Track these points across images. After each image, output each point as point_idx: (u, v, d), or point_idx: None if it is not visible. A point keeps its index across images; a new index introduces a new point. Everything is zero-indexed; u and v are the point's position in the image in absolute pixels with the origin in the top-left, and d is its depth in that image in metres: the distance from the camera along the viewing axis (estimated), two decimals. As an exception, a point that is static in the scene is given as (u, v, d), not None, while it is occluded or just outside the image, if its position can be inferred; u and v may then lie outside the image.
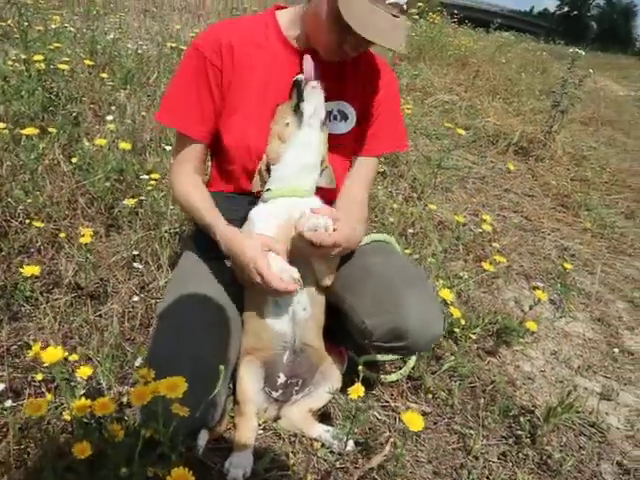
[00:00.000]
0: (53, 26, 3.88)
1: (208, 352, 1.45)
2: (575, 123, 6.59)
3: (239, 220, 1.66)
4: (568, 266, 2.55)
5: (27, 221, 2.39)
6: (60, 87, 3.25)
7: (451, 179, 3.89)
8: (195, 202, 1.56)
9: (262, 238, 1.43)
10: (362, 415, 1.48)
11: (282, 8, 1.60)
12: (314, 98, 1.46)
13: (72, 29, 4.08)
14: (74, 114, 3.12)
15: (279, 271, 1.38)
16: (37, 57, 2.86)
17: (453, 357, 2.00)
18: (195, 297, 1.60)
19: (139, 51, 4.15)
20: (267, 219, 1.51)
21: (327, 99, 1.52)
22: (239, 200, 1.65)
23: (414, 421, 1.25)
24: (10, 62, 3.09)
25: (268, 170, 1.55)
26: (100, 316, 2.09)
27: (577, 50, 4.68)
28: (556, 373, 2.20)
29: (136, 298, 2.08)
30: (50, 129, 2.67)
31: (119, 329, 2.01)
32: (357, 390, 1.46)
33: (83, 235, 1.87)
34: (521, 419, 1.81)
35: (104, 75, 3.37)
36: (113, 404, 1.19)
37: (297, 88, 1.47)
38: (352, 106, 1.62)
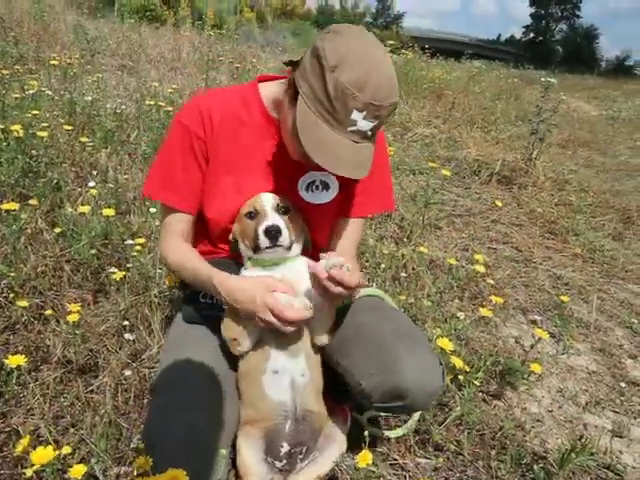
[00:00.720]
0: (30, 91, 3.88)
1: (202, 418, 1.40)
2: (553, 147, 6.70)
3: None
4: (565, 299, 2.53)
5: (11, 295, 2.33)
6: (40, 153, 3.23)
7: (438, 215, 3.90)
8: (192, 262, 1.54)
9: (264, 280, 1.41)
10: (373, 484, 1.42)
11: (266, 79, 1.59)
12: (269, 255, 1.50)
13: (50, 92, 4.09)
14: (55, 180, 3.09)
15: (288, 304, 1.37)
16: (15, 127, 2.84)
17: (459, 406, 1.95)
18: (188, 364, 1.55)
19: (117, 110, 4.16)
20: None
21: (309, 168, 1.53)
22: (228, 264, 1.62)
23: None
24: (-13, 133, 3.07)
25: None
26: (92, 391, 2.02)
27: (549, 79, 4.78)
28: (564, 412, 2.15)
29: (128, 372, 2.01)
30: (31, 201, 2.63)
31: (112, 404, 1.94)
32: (364, 458, 1.41)
33: (70, 312, 1.81)
34: (535, 467, 1.76)
35: (84, 139, 3.36)
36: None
37: (254, 239, 1.47)
38: (334, 175, 1.61)
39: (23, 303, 1.98)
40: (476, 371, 2.14)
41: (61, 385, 2.00)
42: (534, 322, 2.78)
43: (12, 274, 2.36)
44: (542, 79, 4.89)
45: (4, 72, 3.75)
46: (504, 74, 11.93)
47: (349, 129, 1.25)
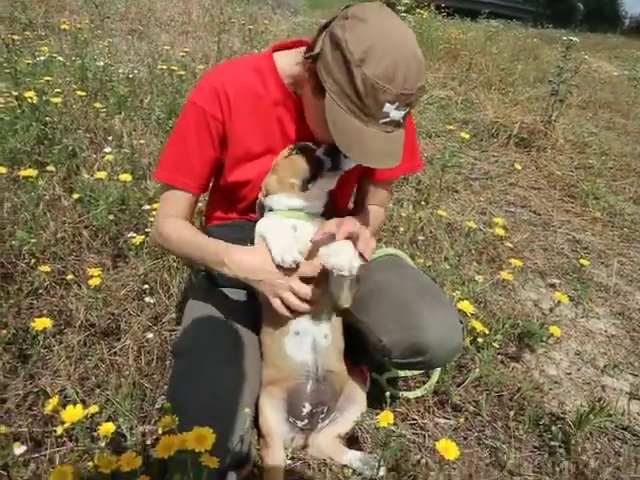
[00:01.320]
0: (42, 58, 3.84)
1: (226, 380, 1.42)
2: (573, 108, 6.53)
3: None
4: (585, 262, 2.50)
5: (33, 261, 2.36)
6: (54, 120, 3.22)
7: (456, 178, 3.85)
8: (193, 235, 1.52)
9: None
10: (393, 443, 1.44)
11: (280, 48, 1.52)
12: (329, 181, 1.48)
13: (61, 58, 4.05)
14: (70, 147, 3.09)
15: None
16: (29, 93, 2.82)
17: (477, 367, 1.95)
18: (209, 326, 1.57)
19: (130, 75, 4.12)
20: (280, 230, 1.48)
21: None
22: (248, 227, 1.62)
23: (449, 450, 1.21)
24: (1, 100, 3.06)
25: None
26: (115, 353, 2.06)
27: (570, 37, 4.63)
28: (582, 374, 2.15)
29: (150, 335, 2.04)
30: (48, 167, 2.64)
31: (135, 366, 1.98)
32: (386, 418, 1.42)
33: (91, 276, 1.83)
34: (553, 428, 1.77)
35: (97, 105, 3.34)
36: (139, 459, 1.15)
37: (316, 163, 1.43)
38: None
39: (45, 268, 2.01)
40: (495, 333, 2.14)
41: (85, 348, 2.04)
42: (553, 286, 2.76)
43: (33, 240, 2.38)
44: (563, 38, 4.74)
45: (15, 37, 3.70)
46: (523, 34, 11.57)
47: (381, 121, 1.22)
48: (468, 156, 4.54)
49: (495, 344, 1.99)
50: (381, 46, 1.16)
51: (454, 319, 1.43)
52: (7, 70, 3.29)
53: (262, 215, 1.56)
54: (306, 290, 1.40)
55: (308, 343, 1.52)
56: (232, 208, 1.64)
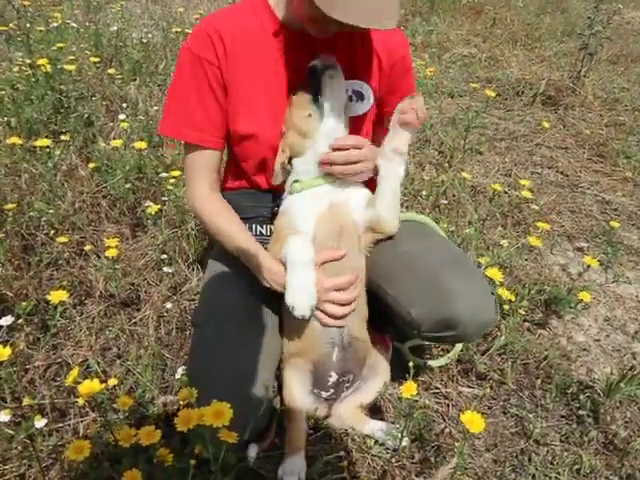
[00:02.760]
0: (55, 24, 3.77)
1: (248, 360, 1.40)
2: (603, 63, 6.23)
3: (262, 217, 1.59)
4: (615, 224, 2.40)
5: (52, 232, 2.36)
6: (69, 88, 3.18)
7: (479, 139, 3.72)
8: (233, 230, 1.48)
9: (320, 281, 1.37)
10: (417, 413, 1.41)
11: None
12: (334, 86, 1.36)
13: (74, 24, 3.97)
14: (86, 115, 3.05)
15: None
16: (42, 61, 2.78)
17: (503, 335, 1.90)
18: (229, 303, 1.53)
19: (144, 40, 4.03)
20: (305, 211, 1.43)
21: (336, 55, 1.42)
22: (260, 197, 1.57)
23: (474, 422, 1.17)
24: (16, 69, 3.02)
25: (289, 162, 1.47)
26: (135, 324, 2.06)
27: (603, -14, 4.38)
28: (612, 341, 2.08)
29: (169, 305, 2.03)
30: (63, 137, 2.60)
31: (155, 336, 1.97)
32: (409, 388, 1.39)
33: (108, 247, 1.81)
34: (580, 396, 1.72)
35: (112, 71, 3.27)
36: (158, 432, 1.14)
37: (313, 76, 1.36)
38: (368, 84, 1.50)
39: (63, 239, 2.00)
40: (521, 299, 2.08)
41: (105, 318, 2.05)
42: (581, 249, 2.67)
43: (51, 211, 2.38)
44: (595, -13, 4.48)
45: (26, 4, 3.63)
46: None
47: None
48: (492, 116, 4.38)
49: (521, 311, 1.94)
50: None
51: (486, 292, 1.36)
52: (19, 38, 3.23)
53: (284, 182, 1.50)
54: (345, 296, 1.39)
55: None
56: (240, 173, 1.59)
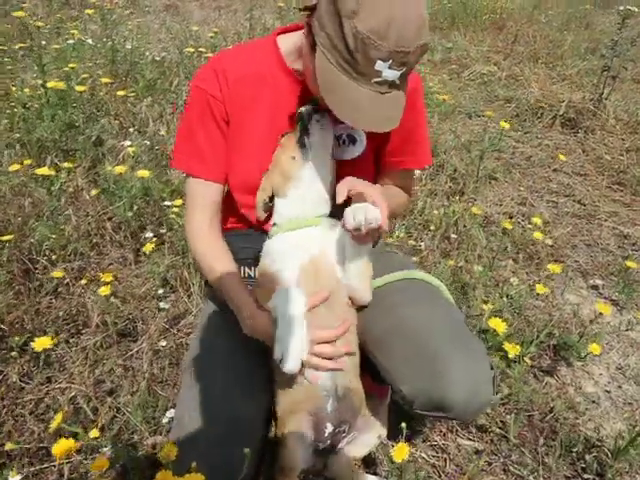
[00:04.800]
0: (71, 41, 3.80)
1: (236, 411, 1.35)
2: (626, 83, 6.10)
3: (250, 259, 1.55)
4: (632, 264, 2.30)
5: (54, 257, 2.35)
6: (81, 107, 3.19)
7: (495, 165, 3.63)
8: (224, 271, 1.43)
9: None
10: (412, 468, 1.34)
11: (285, 32, 1.43)
12: (320, 132, 1.33)
13: (90, 41, 4.00)
14: (95, 135, 3.05)
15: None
16: (51, 84, 2.78)
17: (507, 384, 1.83)
18: (220, 351, 1.48)
19: (157, 58, 4.03)
20: (284, 257, 1.38)
21: (335, 123, 1.38)
22: (249, 238, 1.53)
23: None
24: (27, 89, 3.03)
25: (271, 200, 1.43)
26: (132, 356, 2.03)
27: (629, 7, 4.25)
28: (624, 392, 1.98)
29: (163, 343, 1.99)
30: (69, 162, 2.60)
31: (150, 371, 1.94)
32: (401, 451, 1.33)
33: (104, 282, 1.78)
34: (587, 456, 1.64)
35: (121, 92, 3.27)
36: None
37: (301, 120, 1.33)
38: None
39: (58, 274, 1.97)
40: (529, 343, 2.01)
41: (102, 350, 2.02)
42: (595, 288, 2.57)
43: (54, 236, 2.36)
44: (620, 8, 4.36)
45: (39, 25, 3.65)
46: (575, -1, 10.90)
47: (373, 80, 1.12)
48: (509, 138, 4.29)
49: (527, 360, 1.86)
50: None
51: (484, 371, 1.26)
52: (31, 58, 3.25)
53: (268, 217, 1.46)
54: (332, 350, 1.32)
55: None
56: (233, 211, 1.55)
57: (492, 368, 1.29)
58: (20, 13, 2.92)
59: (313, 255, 1.37)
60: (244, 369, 1.45)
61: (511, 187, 3.47)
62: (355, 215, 1.19)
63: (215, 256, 1.45)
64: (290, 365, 1.26)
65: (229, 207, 1.57)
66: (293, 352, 1.26)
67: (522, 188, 3.42)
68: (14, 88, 3.12)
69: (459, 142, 3.81)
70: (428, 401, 1.24)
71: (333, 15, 1.08)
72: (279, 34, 1.42)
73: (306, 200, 1.40)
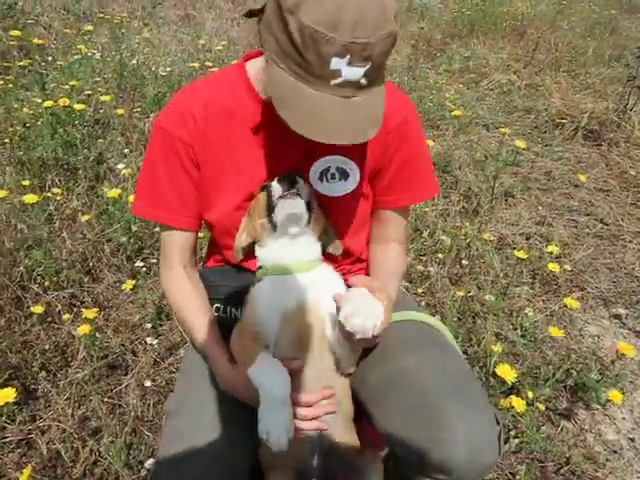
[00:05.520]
0: (77, 56, 3.75)
1: (217, 462, 1.23)
2: (653, 91, 5.87)
3: (237, 300, 1.43)
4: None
5: (47, 283, 2.27)
6: (84, 124, 3.13)
7: (512, 182, 3.46)
8: (190, 318, 1.34)
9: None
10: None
11: (253, 56, 1.28)
12: (285, 212, 1.19)
13: (98, 56, 3.95)
14: (95, 154, 2.98)
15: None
16: (48, 103, 2.72)
17: (518, 431, 1.68)
18: (203, 397, 1.37)
19: (162, 73, 3.97)
20: (268, 305, 1.26)
21: (322, 154, 1.25)
22: (236, 277, 1.42)
23: None
24: (26, 108, 2.98)
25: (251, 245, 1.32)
26: (120, 392, 1.93)
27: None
28: (649, 440, 1.82)
29: (148, 383, 1.89)
30: (54, 189, 2.53)
31: (136, 412, 1.84)
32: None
33: (85, 319, 1.68)
34: (607, 517, 1.48)
35: (120, 111, 3.19)
36: None
37: (267, 197, 1.21)
38: (353, 160, 1.31)
39: (38, 309, 1.87)
40: (544, 382, 1.85)
41: (90, 384, 1.92)
42: (618, 317, 2.40)
43: (47, 261, 2.29)
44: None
45: (39, 42, 3.61)
46: (599, 3, 10.62)
47: (333, 82, 0.95)
48: (529, 151, 4.11)
49: (541, 405, 1.70)
50: None
51: (489, 429, 1.11)
52: (31, 77, 3.21)
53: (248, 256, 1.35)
54: (311, 412, 1.19)
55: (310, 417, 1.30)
56: (217, 250, 1.45)
57: (498, 423, 1.15)
58: (17, 32, 2.87)
59: (299, 305, 1.24)
60: (229, 415, 1.34)
61: (528, 205, 3.30)
62: (352, 319, 1.04)
63: (188, 309, 1.35)
64: (276, 447, 1.13)
65: (214, 246, 1.47)
66: (281, 434, 1.13)
67: (540, 207, 3.25)
68: (15, 106, 3.07)
69: (474, 157, 3.66)
70: (426, 464, 1.10)
71: (277, 13, 0.94)
72: (248, 59, 1.27)
73: (287, 252, 1.26)
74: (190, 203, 1.30)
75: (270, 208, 1.20)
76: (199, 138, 1.23)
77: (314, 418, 1.20)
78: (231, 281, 1.45)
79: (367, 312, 1.05)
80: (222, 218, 1.30)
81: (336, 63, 0.92)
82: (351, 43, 0.90)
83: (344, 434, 1.35)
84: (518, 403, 1.50)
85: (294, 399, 1.17)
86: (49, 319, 2.15)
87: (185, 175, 1.26)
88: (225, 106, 1.23)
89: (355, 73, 0.95)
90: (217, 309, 1.46)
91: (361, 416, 1.36)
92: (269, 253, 1.27)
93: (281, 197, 1.18)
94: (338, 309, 1.10)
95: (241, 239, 1.30)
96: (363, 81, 0.96)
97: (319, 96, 0.96)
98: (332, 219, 1.34)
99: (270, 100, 1.12)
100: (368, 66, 0.94)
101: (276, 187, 1.19)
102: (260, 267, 1.29)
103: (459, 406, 1.10)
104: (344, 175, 1.29)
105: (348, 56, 0.92)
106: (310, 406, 1.19)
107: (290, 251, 1.25)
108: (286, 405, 1.13)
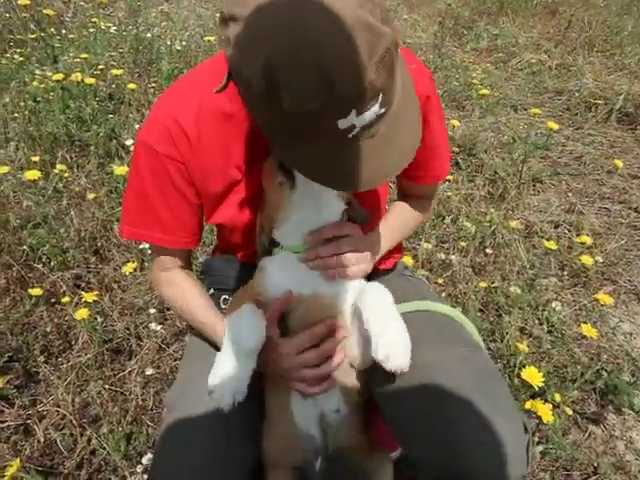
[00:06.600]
0: (92, 30, 3.65)
1: (216, 459, 1.14)
2: (693, 72, 5.57)
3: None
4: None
5: (53, 263, 2.21)
6: (99, 98, 3.04)
7: (541, 167, 3.29)
8: (191, 307, 1.26)
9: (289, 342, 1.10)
10: None
11: None
12: None
13: (113, 30, 3.84)
14: (108, 129, 2.89)
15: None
16: (56, 76, 2.63)
17: (542, 436, 1.56)
18: (203, 389, 1.28)
19: (177, 47, 3.85)
20: (282, 276, 1.14)
21: None
22: (245, 268, 1.31)
23: None
24: (36, 82, 2.89)
25: (270, 234, 1.18)
26: (123, 377, 1.86)
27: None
28: (685, 448, 1.68)
29: (150, 371, 1.81)
30: (59, 166, 2.44)
31: (137, 400, 1.76)
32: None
33: (85, 302, 1.60)
34: (638, 534, 1.36)
35: (132, 86, 3.09)
36: None
37: None
38: None
39: (37, 292, 1.80)
40: (571, 383, 1.73)
41: (92, 369, 1.86)
42: (652, 314, 2.25)
43: (54, 240, 2.22)
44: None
45: (50, 13, 3.50)
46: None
47: (350, 136, 0.80)
48: (558, 134, 3.91)
49: (568, 409, 1.58)
50: (278, 54, 0.71)
51: (516, 438, 0.99)
52: (41, 51, 3.11)
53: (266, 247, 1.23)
54: (313, 355, 1.09)
55: (314, 414, 1.19)
56: (226, 243, 1.34)
57: (527, 430, 1.03)
58: (26, 1, 2.76)
59: (315, 293, 1.13)
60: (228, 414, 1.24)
61: (558, 191, 3.13)
62: (390, 362, 0.97)
63: (186, 295, 1.27)
64: (219, 405, 1.03)
65: (222, 240, 1.37)
66: (226, 391, 1.03)
67: (570, 193, 3.08)
68: (26, 80, 2.99)
69: (501, 140, 3.49)
70: (444, 472, 0.98)
71: (251, 98, 0.83)
72: None
73: (307, 222, 1.12)
74: (187, 222, 1.19)
75: None
76: (192, 154, 1.09)
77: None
78: (237, 271, 1.35)
79: (403, 350, 0.98)
80: (226, 220, 1.20)
81: (344, 122, 0.77)
82: (348, 98, 0.74)
83: (352, 440, 1.25)
84: (545, 412, 1.37)
85: (296, 343, 1.07)
86: (53, 300, 2.09)
87: (178, 195, 1.13)
88: (219, 108, 1.07)
89: (369, 116, 0.79)
90: (225, 301, 1.37)
91: (375, 412, 1.26)
92: (286, 234, 1.13)
93: None
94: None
95: (261, 238, 1.17)
96: (380, 111, 0.80)
97: (342, 158, 0.83)
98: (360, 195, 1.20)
99: None
100: (380, 98, 0.78)
101: None
102: (279, 244, 1.16)
103: (483, 411, 0.98)
104: None
105: (353, 110, 0.76)
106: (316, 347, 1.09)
107: (312, 216, 1.10)
108: (249, 359, 1.02)
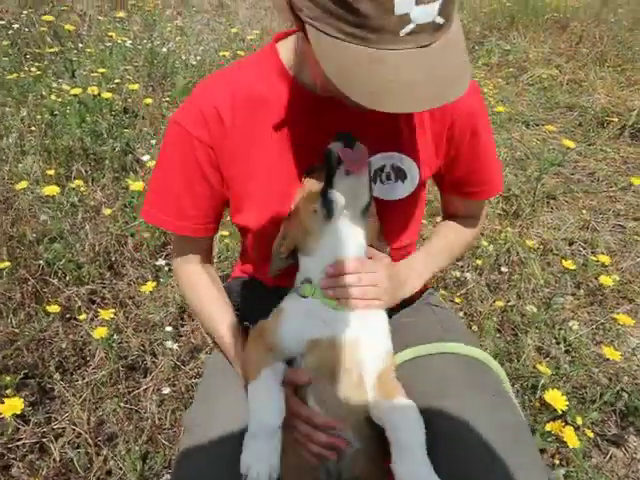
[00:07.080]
0: (109, 44, 3.69)
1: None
2: None
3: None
4: None
5: (68, 277, 2.21)
6: (112, 113, 3.06)
7: (554, 181, 3.28)
8: (213, 314, 1.22)
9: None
10: None
11: (283, 37, 1.11)
12: (348, 186, 1.00)
13: (129, 43, 3.88)
14: (122, 143, 2.91)
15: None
16: (74, 90, 2.65)
17: (562, 458, 1.54)
18: (223, 412, 1.26)
19: (193, 62, 3.88)
20: (297, 331, 1.07)
21: (375, 151, 1.09)
22: (266, 293, 1.27)
23: None
24: (54, 96, 2.92)
25: (292, 255, 1.16)
26: (138, 395, 1.85)
27: None
28: None
29: (166, 390, 1.79)
30: (76, 181, 2.46)
31: (153, 419, 1.75)
32: None
33: (102, 320, 1.60)
34: None
35: (148, 101, 3.12)
36: None
37: (326, 164, 1.01)
38: (412, 158, 1.14)
39: (54, 309, 1.79)
40: (591, 404, 1.70)
41: (108, 386, 1.85)
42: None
43: (67, 256, 2.23)
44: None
45: (70, 28, 3.54)
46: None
47: (402, 32, 0.72)
48: (571, 150, 3.90)
49: (589, 432, 1.55)
50: None
51: None
52: (59, 64, 3.14)
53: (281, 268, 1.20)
54: (330, 440, 1.04)
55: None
56: (248, 260, 1.32)
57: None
58: (50, 18, 2.81)
59: (333, 339, 1.04)
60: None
61: (571, 208, 3.11)
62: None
63: (206, 295, 1.24)
64: (251, 472, 1.00)
65: (246, 256, 1.34)
66: (262, 471, 0.98)
67: (584, 210, 3.06)
68: (44, 93, 3.03)
69: (514, 156, 3.48)
70: None
71: None
72: (278, 40, 1.11)
73: (331, 257, 1.07)
74: (208, 210, 1.16)
75: (328, 182, 1.01)
76: (222, 139, 1.08)
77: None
78: (258, 297, 1.31)
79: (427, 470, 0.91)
80: (251, 225, 1.16)
81: (401, 5, 0.70)
82: None
83: (367, 470, 1.21)
84: (570, 436, 1.35)
85: (307, 418, 1.05)
86: (68, 315, 2.09)
87: (204, 181, 1.12)
88: (257, 95, 1.07)
89: (427, 12, 0.72)
90: (246, 327, 1.34)
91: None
92: (313, 264, 1.08)
93: (340, 163, 0.98)
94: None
95: (279, 249, 1.12)
96: (439, 19, 0.73)
97: (389, 54, 0.73)
98: (384, 225, 1.16)
99: (314, 81, 0.97)
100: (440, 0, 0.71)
101: (337, 148, 0.98)
102: (308, 280, 1.09)
103: (509, 470, 0.91)
104: (401, 175, 1.14)
105: None
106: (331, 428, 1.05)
107: (338, 249, 1.05)
108: (275, 435, 1.00)
